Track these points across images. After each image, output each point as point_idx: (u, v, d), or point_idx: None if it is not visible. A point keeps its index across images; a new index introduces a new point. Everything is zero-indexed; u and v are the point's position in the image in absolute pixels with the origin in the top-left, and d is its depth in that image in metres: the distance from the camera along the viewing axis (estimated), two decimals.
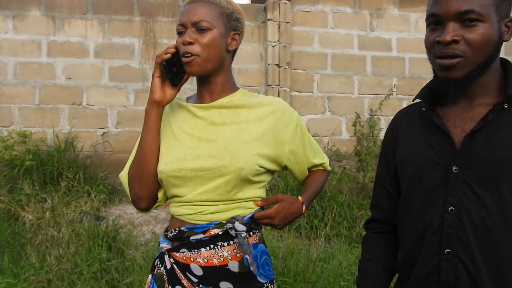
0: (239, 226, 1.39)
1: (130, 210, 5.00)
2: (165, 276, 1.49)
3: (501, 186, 1.15)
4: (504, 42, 1.22)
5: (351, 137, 6.33)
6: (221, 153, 1.41)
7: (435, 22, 1.20)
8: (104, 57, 5.82)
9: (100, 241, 3.72)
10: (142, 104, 5.89)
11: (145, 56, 5.91)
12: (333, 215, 4.81)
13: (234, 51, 1.56)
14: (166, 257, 1.49)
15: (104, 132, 5.83)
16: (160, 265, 1.52)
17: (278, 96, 5.92)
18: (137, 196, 1.52)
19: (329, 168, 1.74)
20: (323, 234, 4.44)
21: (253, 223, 1.45)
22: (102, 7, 5.82)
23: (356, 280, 1.41)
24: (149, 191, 1.51)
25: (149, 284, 1.53)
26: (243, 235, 1.39)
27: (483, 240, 1.15)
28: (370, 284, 1.36)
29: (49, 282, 3.28)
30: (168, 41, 5.94)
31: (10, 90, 5.62)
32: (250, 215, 1.45)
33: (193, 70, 1.45)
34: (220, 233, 1.41)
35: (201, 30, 1.43)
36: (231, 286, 1.41)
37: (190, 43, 1.42)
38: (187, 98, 1.62)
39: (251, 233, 1.45)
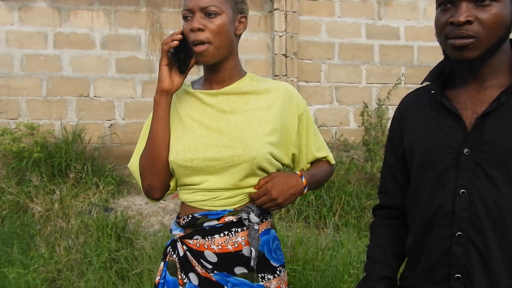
0: (253, 218, 1.41)
1: (138, 201, 5.03)
2: (177, 264, 1.49)
3: None
4: None
5: (359, 127, 6.31)
6: (233, 142, 1.41)
7: (447, 2, 1.18)
8: (110, 49, 5.83)
9: (109, 231, 3.75)
10: (149, 95, 5.90)
11: (151, 47, 5.90)
12: (341, 205, 4.82)
13: (240, 34, 1.54)
14: (179, 244, 1.49)
15: (111, 124, 5.85)
16: (172, 253, 1.51)
17: None
18: (150, 187, 1.51)
19: (334, 162, 1.68)
20: (331, 224, 4.44)
21: (264, 211, 1.47)
22: None
23: (364, 266, 1.42)
24: (162, 181, 1.51)
25: (161, 272, 1.53)
26: (255, 227, 1.40)
27: (496, 222, 1.15)
28: (378, 269, 1.36)
29: (59, 272, 3.31)
30: (174, 31, 5.93)
31: (17, 83, 5.64)
32: None
33: (206, 60, 1.43)
34: (234, 220, 1.42)
35: (210, 15, 1.40)
36: (246, 271, 1.42)
37: (200, 29, 1.39)
38: (192, 83, 1.60)
39: (263, 220, 1.47)
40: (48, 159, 5.14)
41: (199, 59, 1.44)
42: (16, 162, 5.09)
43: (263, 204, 1.42)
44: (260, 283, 1.42)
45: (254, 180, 1.44)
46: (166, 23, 5.93)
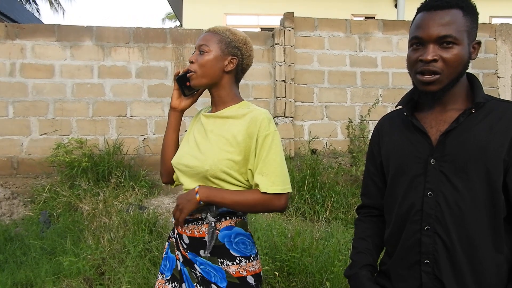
0: (210, 218, 1.45)
1: (166, 200, 5.03)
2: (174, 243, 1.59)
3: (471, 174, 1.15)
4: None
5: (345, 138, 6.30)
6: (200, 155, 1.47)
7: (417, 43, 1.19)
8: (143, 77, 5.88)
9: (143, 226, 3.74)
10: None
11: None
12: (331, 202, 4.79)
13: (237, 71, 1.55)
14: (175, 229, 1.59)
15: (144, 138, 5.88)
16: (172, 235, 1.62)
17: (285, 106, 5.92)
18: (160, 172, 1.69)
19: (270, 192, 1.39)
20: (323, 218, 4.42)
21: (228, 213, 1.48)
22: (141, 37, 5.88)
23: (350, 255, 1.41)
24: (166, 170, 1.65)
25: (165, 249, 1.65)
26: (212, 224, 1.45)
27: (457, 218, 1.16)
28: (362, 258, 1.36)
29: (103, 260, 3.31)
30: None
31: (69, 106, 5.70)
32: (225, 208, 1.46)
33: (194, 83, 1.53)
34: (199, 216, 1.48)
35: (201, 53, 1.50)
36: (209, 254, 1.45)
37: (192, 62, 1.51)
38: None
39: (227, 218, 1.47)
40: (94, 168, 5.17)
41: (191, 83, 1.53)
42: (68, 170, 5.13)
43: (175, 212, 1.46)
44: (219, 266, 1.44)
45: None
46: (188, 56, 5.94)
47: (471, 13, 1.19)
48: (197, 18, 10.42)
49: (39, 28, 5.78)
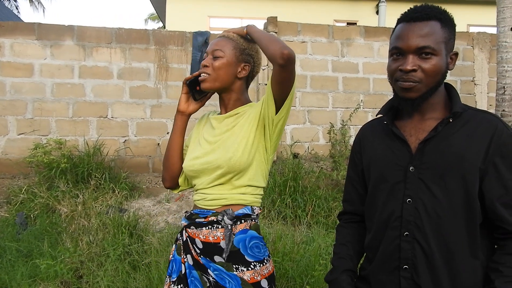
0: (227, 221, 1.46)
1: (147, 203, 4.99)
2: (182, 246, 1.57)
3: (449, 182, 1.17)
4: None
5: (327, 142, 6.36)
6: (216, 149, 1.51)
7: (397, 53, 1.22)
8: (125, 79, 5.82)
9: (123, 229, 3.70)
10: (156, 116, 5.89)
11: (159, 78, 5.91)
12: (313, 206, 4.81)
13: (248, 78, 1.61)
14: (184, 232, 1.58)
15: (125, 140, 5.82)
16: (180, 238, 1.60)
17: None
18: (163, 177, 1.68)
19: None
20: (305, 222, 4.44)
21: (244, 216, 1.49)
22: (124, 37, 5.82)
23: (331, 260, 1.42)
24: (171, 175, 1.65)
25: (172, 252, 1.62)
26: (228, 227, 1.45)
27: (435, 225, 1.18)
28: (343, 263, 1.37)
29: (81, 263, 3.26)
30: (178, 65, 5.95)
31: (48, 106, 5.60)
32: (241, 211, 1.48)
33: (205, 86, 1.55)
34: (214, 220, 1.48)
35: (215, 58, 1.53)
36: (223, 260, 1.45)
37: (206, 66, 1.54)
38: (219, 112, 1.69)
39: (242, 221, 1.49)
40: (73, 169, 5.09)
41: (201, 84, 1.56)
42: (47, 171, 5.03)
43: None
44: (234, 272, 1.44)
45: (233, 189, 1.49)
46: (171, 58, 5.94)
47: (449, 25, 1.22)
48: (180, 19, 10.37)
49: (19, 26, 5.67)
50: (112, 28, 5.82)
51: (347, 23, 10.47)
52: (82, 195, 4.52)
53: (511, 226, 1.16)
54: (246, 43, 1.58)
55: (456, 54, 1.26)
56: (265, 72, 5.95)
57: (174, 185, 1.67)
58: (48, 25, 5.66)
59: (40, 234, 3.98)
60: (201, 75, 1.54)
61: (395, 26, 1.27)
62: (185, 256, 1.54)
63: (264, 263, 1.49)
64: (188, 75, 5.92)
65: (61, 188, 4.67)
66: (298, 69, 6.27)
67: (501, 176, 1.16)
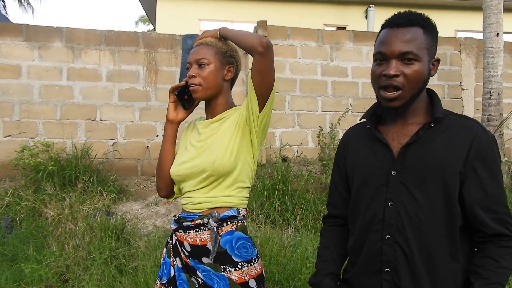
0: (212, 223, 1.48)
1: (135, 206, 4.96)
2: (171, 249, 1.60)
3: (429, 186, 1.19)
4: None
5: (316, 146, 6.38)
6: (202, 154, 1.53)
7: (381, 58, 1.23)
8: (114, 81, 5.79)
9: (110, 232, 3.66)
10: (145, 119, 5.87)
11: (148, 81, 5.89)
12: (301, 210, 4.81)
13: (232, 79, 1.64)
14: (173, 235, 1.60)
15: (114, 143, 5.78)
16: (170, 241, 1.62)
17: None
18: (158, 186, 1.68)
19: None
20: (293, 225, 4.45)
21: (230, 218, 1.50)
22: (113, 40, 5.80)
23: (315, 263, 1.43)
24: (165, 184, 1.65)
25: (163, 255, 1.65)
26: (215, 229, 1.47)
27: (416, 228, 1.19)
28: (326, 266, 1.38)
29: (67, 267, 3.23)
30: (167, 68, 5.93)
31: (36, 108, 5.55)
32: (227, 213, 1.50)
33: (197, 96, 1.57)
34: (201, 222, 1.50)
35: (201, 66, 1.55)
36: (210, 261, 1.47)
37: (193, 76, 1.54)
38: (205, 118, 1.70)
39: (228, 223, 1.50)
40: (60, 172, 5.04)
41: (193, 96, 1.58)
42: (33, 174, 4.98)
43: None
44: (222, 273, 1.46)
45: (218, 192, 1.51)
46: (160, 61, 5.93)
47: (431, 31, 1.24)
48: (170, 22, 10.36)
49: (7, 27, 5.61)
50: (102, 30, 5.79)
51: (337, 27, 10.54)
52: (69, 198, 4.47)
53: (490, 229, 1.18)
54: (225, 45, 1.60)
55: (438, 60, 1.28)
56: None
57: (170, 194, 1.68)
58: (36, 27, 5.61)
59: (26, 237, 3.93)
60: (191, 85, 1.55)
61: (379, 32, 1.29)
62: (174, 259, 1.57)
63: (252, 263, 1.50)
64: (177, 78, 5.91)
65: (47, 191, 4.61)
66: (287, 73, 6.30)
67: (480, 180, 1.18)
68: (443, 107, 1.28)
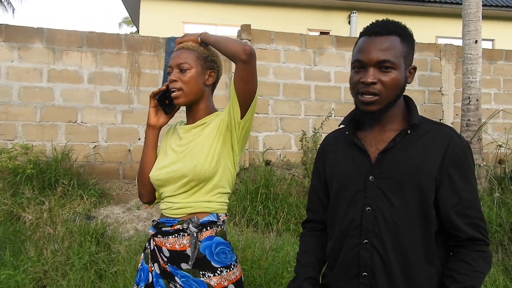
0: (192, 228, 1.47)
1: (116, 210, 4.90)
2: (149, 255, 1.58)
3: (406, 191, 1.21)
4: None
5: (299, 150, 6.41)
6: (182, 158, 1.51)
7: (359, 66, 1.25)
8: (96, 83, 5.72)
9: (89, 237, 3.61)
10: (127, 122, 5.81)
11: (130, 83, 5.83)
12: (284, 213, 4.83)
13: (214, 84, 1.63)
14: (151, 240, 1.58)
15: (95, 145, 5.71)
16: (148, 246, 1.60)
17: None
18: (140, 193, 1.66)
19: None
20: (275, 229, 4.46)
21: (210, 223, 1.50)
22: (95, 41, 5.73)
23: (295, 268, 1.44)
24: (147, 190, 1.63)
25: (141, 260, 1.62)
26: (194, 235, 1.46)
27: (393, 233, 1.21)
28: (305, 271, 1.39)
29: (45, 272, 3.16)
30: (150, 70, 5.89)
31: (15, 110, 5.44)
32: (206, 218, 1.49)
33: (178, 101, 1.56)
34: (180, 228, 1.49)
35: (182, 71, 1.53)
36: (189, 267, 1.46)
37: (174, 81, 1.53)
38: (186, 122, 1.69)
39: (208, 228, 1.50)
40: (39, 175, 4.95)
41: (174, 101, 1.56)
42: (11, 177, 4.88)
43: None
44: (201, 278, 1.45)
45: (199, 197, 1.50)
46: (143, 64, 5.89)
47: (408, 40, 1.26)
48: (154, 25, 10.30)
49: None
50: (83, 32, 5.72)
51: (320, 32, 10.64)
52: (49, 202, 4.39)
53: (464, 234, 1.20)
54: (206, 50, 1.59)
55: (415, 68, 1.30)
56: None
57: (152, 200, 1.66)
58: (16, 27, 5.51)
59: (2, 242, 3.83)
60: (172, 90, 1.54)
61: (358, 39, 1.30)
62: (152, 265, 1.55)
63: (231, 269, 1.50)
64: (161, 80, 5.87)
65: (26, 195, 4.52)
66: (271, 77, 6.32)
67: (455, 186, 1.20)
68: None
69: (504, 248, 4.00)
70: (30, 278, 3.03)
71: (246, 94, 1.46)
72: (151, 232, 1.58)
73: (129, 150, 5.81)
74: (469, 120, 6.00)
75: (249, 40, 6.11)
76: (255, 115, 6.15)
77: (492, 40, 12.02)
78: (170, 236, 1.50)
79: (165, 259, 1.51)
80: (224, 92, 6.11)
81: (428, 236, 1.21)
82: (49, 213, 4.18)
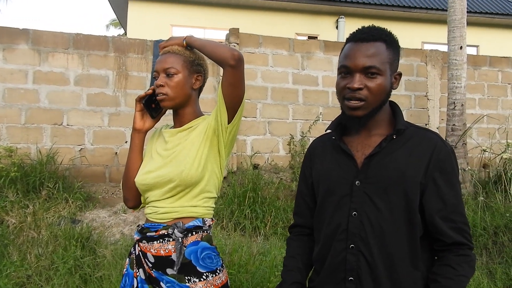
0: (177, 234, 1.46)
1: (102, 214, 4.84)
2: (134, 260, 1.57)
3: (391, 196, 1.22)
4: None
5: (287, 154, 6.43)
6: (168, 163, 1.51)
7: (345, 71, 1.27)
8: (82, 85, 5.66)
9: (74, 241, 3.56)
10: (114, 125, 5.76)
11: (118, 86, 5.79)
12: (271, 217, 4.83)
13: (200, 87, 1.63)
14: (136, 245, 1.57)
15: (81, 148, 5.64)
16: (133, 251, 1.59)
17: None
18: (125, 197, 1.64)
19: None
20: (262, 233, 4.45)
21: (195, 228, 1.49)
22: (82, 43, 5.68)
23: (281, 273, 1.44)
24: (133, 195, 1.61)
25: (126, 265, 1.62)
26: (179, 240, 1.46)
27: (378, 237, 1.22)
28: (292, 276, 1.39)
29: (28, 277, 3.11)
30: (137, 73, 5.86)
31: None
32: (192, 223, 1.49)
33: (165, 105, 1.55)
34: (165, 233, 1.48)
35: (169, 75, 1.52)
36: (175, 273, 1.45)
37: (161, 86, 1.52)
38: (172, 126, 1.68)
39: (193, 233, 1.49)
40: (24, 178, 4.86)
41: (161, 104, 1.56)
42: None
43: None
44: (187, 284, 1.44)
45: (185, 202, 1.49)
46: (130, 66, 5.85)
47: (394, 46, 1.28)
48: (142, 27, 10.24)
49: None
50: (70, 33, 5.66)
51: (308, 36, 10.69)
52: (33, 206, 4.33)
53: (449, 238, 1.21)
54: (192, 53, 1.59)
55: (400, 74, 1.32)
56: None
57: (138, 204, 1.64)
58: (1, 28, 5.43)
59: None
60: (158, 95, 1.53)
61: (344, 45, 1.32)
62: (137, 270, 1.54)
63: (217, 273, 1.49)
64: (148, 83, 5.84)
65: (9, 198, 4.44)
66: (259, 81, 6.33)
67: (439, 190, 1.22)
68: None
69: (488, 252, 4.06)
70: (13, 283, 2.98)
71: (234, 99, 1.46)
72: (136, 237, 1.56)
73: (116, 153, 5.76)
74: (454, 125, 6.09)
75: (237, 43, 6.12)
76: (243, 118, 6.15)
77: (477, 46, 12.23)
78: (155, 242, 1.49)
79: (150, 265, 1.50)
80: (212, 95, 6.10)
81: (414, 241, 1.22)
82: (33, 216, 4.11)
